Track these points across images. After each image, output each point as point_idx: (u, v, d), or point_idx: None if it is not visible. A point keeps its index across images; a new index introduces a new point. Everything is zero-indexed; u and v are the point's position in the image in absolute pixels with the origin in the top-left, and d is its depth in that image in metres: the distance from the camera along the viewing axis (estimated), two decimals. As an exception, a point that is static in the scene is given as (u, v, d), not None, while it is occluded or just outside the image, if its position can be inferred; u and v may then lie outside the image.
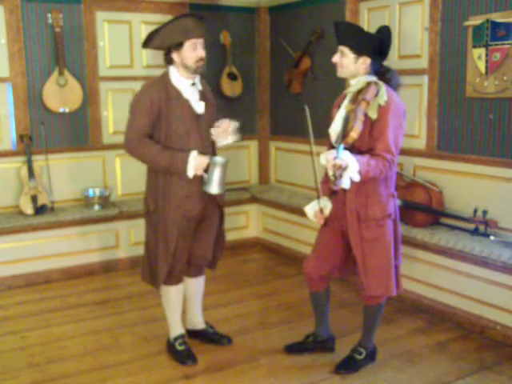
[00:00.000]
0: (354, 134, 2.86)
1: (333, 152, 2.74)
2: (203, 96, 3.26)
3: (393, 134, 2.89)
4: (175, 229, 3.21)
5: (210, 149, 3.27)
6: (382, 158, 2.85)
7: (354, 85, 2.99)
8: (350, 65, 2.98)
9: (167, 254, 3.25)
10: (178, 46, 3.10)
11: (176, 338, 3.46)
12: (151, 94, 3.11)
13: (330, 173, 2.75)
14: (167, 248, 3.24)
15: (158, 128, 3.15)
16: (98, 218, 4.93)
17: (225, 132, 3.20)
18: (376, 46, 2.97)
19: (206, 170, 3.14)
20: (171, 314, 3.47)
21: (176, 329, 3.48)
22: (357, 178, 2.76)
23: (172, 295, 3.43)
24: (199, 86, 3.24)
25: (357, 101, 2.92)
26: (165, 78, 3.19)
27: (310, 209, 3.22)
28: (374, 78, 2.99)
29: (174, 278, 3.38)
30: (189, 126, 3.17)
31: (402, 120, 2.97)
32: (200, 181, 3.19)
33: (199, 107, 3.21)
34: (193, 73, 3.15)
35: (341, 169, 2.69)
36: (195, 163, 3.09)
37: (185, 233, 3.27)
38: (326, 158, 2.76)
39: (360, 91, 2.96)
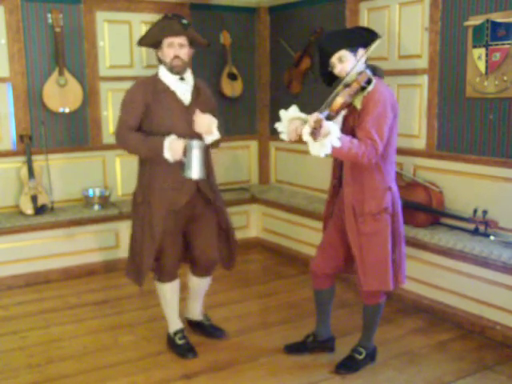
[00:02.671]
0: (339, 99, 2.78)
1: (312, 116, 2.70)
2: (197, 91, 3.32)
3: (374, 121, 2.85)
4: (161, 222, 3.24)
5: None
6: (364, 141, 2.82)
7: (348, 77, 2.93)
8: (353, 66, 2.94)
9: (152, 246, 3.27)
10: (159, 44, 3.26)
11: (175, 333, 3.51)
12: (137, 90, 3.26)
13: (309, 129, 2.65)
14: (153, 241, 3.26)
15: (149, 121, 3.23)
16: (97, 217, 4.93)
17: (209, 126, 3.20)
18: (361, 31, 3.01)
19: (185, 155, 3.12)
20: (168, 310, 3.52)
21: (174, 324, 3.53)
22: (337, 144, 2.69)
23: (167, 293, 3.47)
24: (191, 81, 3.31)
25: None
26: (154, 75, 3.32)
27: (290, 114, 2.95)
28: (363, 67, 2.96)
29: (166, 276, 3.43)
30: (176, 117, 3.22)
31: (386, 108, 2.89)
32: (182, 176, 3.18)
33: (185, 98, 3.26)
34: (169, 70, 3.24)
35: (320, 125, 2.60)
36: (170, 146, 3.10)
37: (172, 229, 3.30)
38: (310, 117, 2.69)
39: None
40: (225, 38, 5.53)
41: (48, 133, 4.97)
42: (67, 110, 4.96)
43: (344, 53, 2.94)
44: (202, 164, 3.13)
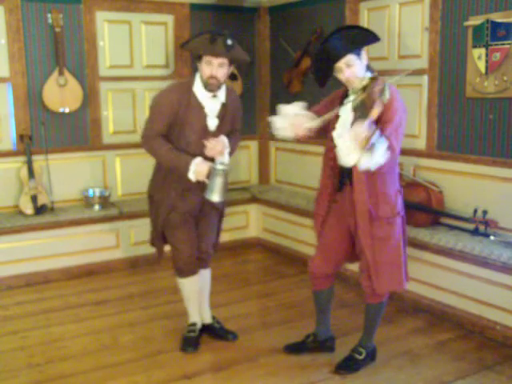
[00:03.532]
0: (377, 110, 2.72)
1: (361, 125, 2.67)
2: (224, 110, 3.32)
3: (393, 130, 2.85)
4: (162, 220, 3.41)
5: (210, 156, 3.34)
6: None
7: (359, 82, 2.91)
8: (360, 69, 2.95)
9: (157, 236, 3.51)
10: (199, 57, 3.20)
11: (189, 325, 3.61)
12: (172, 98, 3.23)
13: (361, 145, 2.65)
14: (156, 231, 3.50)
15: (172, 129, 3.27)
16: (98, 217, 4.93)
17: (220, 152, 3.29)
18: (362, 32, 2.99)
19: (209, 177, 3.19)
20: (186, 303, 3.62)
21: (190, 316, 3.63)
22: (387, 156, 2.73)
23: (185, 287, 3.55)
24: (222, 99, 3.31)
25: (367, 90, 2.82)
26: (190, 84, 3.27)
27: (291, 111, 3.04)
28: (369, 73, 2.97)
29: (181, 271, 3.50)
30: (200, 137, 3.27)
31: (402, 118, 2.93)
32: (195, 184, 3.27)
33: (212, 124, 3.30)
34: (204, 87, 3.22)
35: (369, 141, 2.62)
36: (196, 169, 3.18)
37: (177, 223, 3.39)
38: (355, 131, 2.67)
39: (365, 88, 2.87)
40: (225, 38, 5.53)
41: (48, 133, 4.97)
42: (67, 110, 4.96)
43: (351, 57, 2.91)
44: (225, 188, 3.21)
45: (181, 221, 3.39)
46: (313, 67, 3.14)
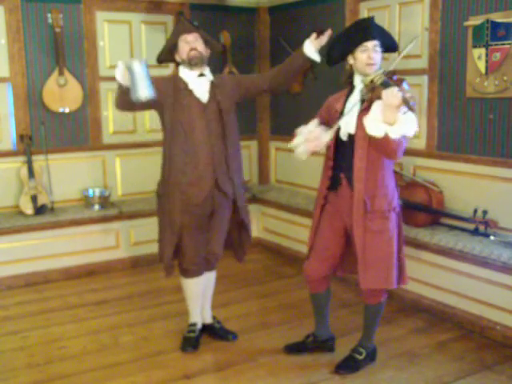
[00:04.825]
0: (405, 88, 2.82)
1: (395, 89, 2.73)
2: (215, 86, 3.35)
3: None
4: (179, 215, 3.33)
5: (218, 140, 3.32)
6: None
7: (374, 72, 2.93)
8: (380, 60, 3.01)
9: (172, 238, 3.37)
10: (175, 47, 3.32)
11: (189, 325, 3.60)
12: (159, 85, 3.24)
13: (399, 106, 2.73)
14: (172, 232, 3.37)
15: (165, 118, 3.30)
16: (98, 217, 4.93)
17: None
18: (391, 38, 3.11)
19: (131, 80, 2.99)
20: (188, 302, 3.60)
21: (191, 316, 3.61)
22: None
23: (188, 287, 3.54)
24: (210, 77, 3.36)
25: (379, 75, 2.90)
26: (175, 73, 3.42)
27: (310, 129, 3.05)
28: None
29: (185, 272, 3.48)
30: (193, 115, 3.28)
31: None
32: (203, 167, 3.26)
33: (203, 96, 3.31)
34: (188, 65, 3.29)
35: (408, 103, 2.69)
36: (117, 68, 3.04)
37: (188, 224, 3.35)
38: (392, 92, 2.72)
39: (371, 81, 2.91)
40: (225, 38, 5.53)
41: (48, 133, 4.97)
42: (67, 110, 4.96)
43: (379, 44, 2.99)
44: (148, 81, 2.94)
45: (189, 222, 3.35)
46: (335, 40, 3.10)
